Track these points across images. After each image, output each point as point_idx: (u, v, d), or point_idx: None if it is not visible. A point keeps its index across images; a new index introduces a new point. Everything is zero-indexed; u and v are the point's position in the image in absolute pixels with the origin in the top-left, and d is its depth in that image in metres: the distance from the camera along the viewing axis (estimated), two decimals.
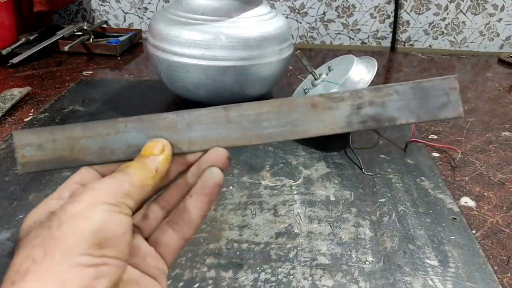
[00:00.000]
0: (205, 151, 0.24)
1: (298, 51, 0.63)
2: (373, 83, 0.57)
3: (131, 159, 0.23)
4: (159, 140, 0.23)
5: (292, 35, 1.09)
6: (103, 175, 0.24)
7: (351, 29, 1.09)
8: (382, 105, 0.25)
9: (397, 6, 1.05)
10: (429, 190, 0.51)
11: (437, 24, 1.07)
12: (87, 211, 0.19)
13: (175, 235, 0.24)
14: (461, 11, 1.05)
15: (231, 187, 0.50)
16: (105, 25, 1.10)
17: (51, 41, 0.93)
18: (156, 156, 0.23)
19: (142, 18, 1.13)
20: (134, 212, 0.24)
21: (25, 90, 0.73)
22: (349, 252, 0.41)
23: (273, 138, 0.25)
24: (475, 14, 1.05)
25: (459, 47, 1.09)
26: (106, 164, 0.24)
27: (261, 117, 0.25)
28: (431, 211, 0.47)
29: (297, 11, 1.09)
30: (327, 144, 0.60)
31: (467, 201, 0.50)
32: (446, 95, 0.24)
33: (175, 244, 0.24)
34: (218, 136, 0.25)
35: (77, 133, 0.24)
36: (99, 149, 0.24)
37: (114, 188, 0.20)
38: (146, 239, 0.24)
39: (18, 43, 0.92)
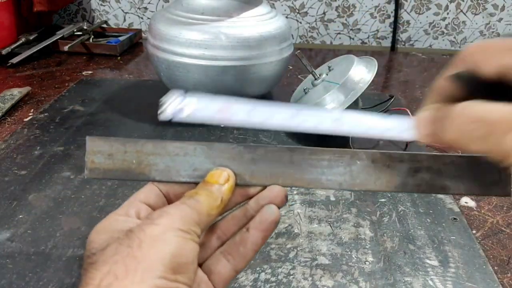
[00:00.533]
0: (264, 187, 0.25)
1: (298, 51, 0.62)
2: (373, 83, 0.57)
3: (194, 183, 0.24)
4: (225, 169, 0.24)
5: (292, 35, 1.09)
6: (165, 194, 0.25)
7: (351, 29, 1.09)
8: (438, 172, 0.25)
9: (397, 6, 1.04)
10: None
11: (438, 24, 1.07)
12: (165, 235, 0.20)
13: (228, 265, 0.24)
14: (461, 11, 1.05)
15: None
16: (105, 25, 1.10)
17: (51, 41, 0.93)
18: (221, 185, 0.23)
19: (142, 18, 1.13)
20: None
21: (25, 90, 0.73)
22: (349, 252, 0.41)
23: (330, 185, 0.26)
24: (476, 14, 1.05)
25: (460, 47, 1.09)
26: (169, 183, 0.25)
27: (322, 164, 0.26)
28: (431, 211, 0.47)
29: (297, 11, 1.09)
30: (328, 144, 0.60)
31: (467, 201, 0.50)
32: (498, 173, 0.25)
33: (227, 274, 0.24)
34: (279, 175, 0.25)
35: (147, 149, 0.25)
36: (165, 167, 0.25)
37: (187, 215, 0.21)
38: (200, 266, 0.25)
39: (18, 43, 0.92)
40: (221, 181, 0.23)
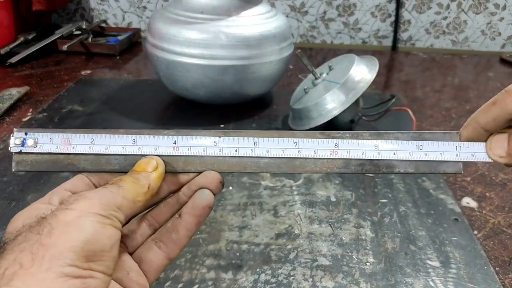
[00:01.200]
0: (199, 173, 0.25)
1: (299, 50, 0.62)
2: (374, 82, 0.57)
3: (125, 172, 0.23)
4: (153, 157, 0.24)
5: (293, 34, 1.08)
6: (96, 186, 0.24)
7: (352, 28, 1.09)
8: (380, 154, 0.25)
9: (398, 5, 1.04)
10: (431, 190, 0.50)
11: (439, 23, 1.07)
12: (79, 220, 0.19)
13: (160, 253, 0.24)
14: (463, 10, 1.05)
15: (230, 188, 0.50)
16: (104, 24, 1.10)
17: (49, 41, 0.93)
18: (149, 173, 0.23)
19: (141, 17, 1.12)
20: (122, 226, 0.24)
21: (24, 89, 0.73)
22: (350, 253, 0.40)
23: (269, 169, 0.25)
24: (477, 13, 1.05)
25: (461, 46, 1.08)
26: (100, 173, 0.24)
27: (258, 147, 0.25)
28: (432, 212, 0.47)
29: (297, 10, 1.08)
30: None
31: (468, 202, 0.49)
32: (447, 148, 0.25)
33: (159, 262, 0.24)
34: (214, 160, 0.25)
35: (76, 139, 0.25)
36: (95, 157, 0.24)
37: (107, 199, 0.20)
38: (131, 254, 0.24)
39: (16, 43, 0.92)
40: (149, 169, 0.23)
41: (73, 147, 0.24)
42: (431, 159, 0.25)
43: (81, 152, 0.24)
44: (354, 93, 0.56)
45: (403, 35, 1.08)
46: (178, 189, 0.25)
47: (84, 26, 1.00)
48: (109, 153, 0.24)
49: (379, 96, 0.75)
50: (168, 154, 0.24)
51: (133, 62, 0.93)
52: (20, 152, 0.25)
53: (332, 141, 0.25)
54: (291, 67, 0.88)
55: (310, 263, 0.39)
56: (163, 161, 0.24)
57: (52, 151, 0.24)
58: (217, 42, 0.61)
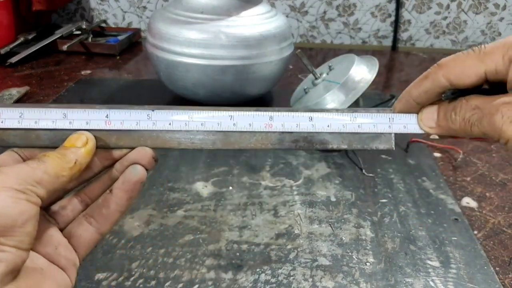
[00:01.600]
0: (131, 149, 0.24)
1: (299, 50, 0.62)
2: (374, 82, 0.57)
3: (56, 147, 0.23)
4: (84, 132, 0.24)
5: (293, 34, 1.08)
6: (25, 160, 0.24)
7: (352, 28, 1.09)
8: (315, 126, 0.25)
9: (398, 5, 1.04)
10: (431, 190, 0.50)
11: (439, 23, 1.07)
12: None
13: (90, 228, 0.24)
14: (463, 10, 1.05)
15: (230, 188, 0.50)
16: (104, 24, 1.10)
17: (49, 41, 0.93)
18: (78, 148, 0.23)
19: (141, 17, 1.12)
20: (53, 202, 0.24)
21: (24, 89, 0.73)
22: (350, 253, 0.40)
23: (203, 145, 0.25)
24: (477, 13, 1.05)
25: (461, 46, 1.08)
26: (30, 149, 0.24)
27: (193, 120, 0.25)
28: (432, 212, 0.47)
29: (297, 10, 1.08)
30: None
31: (468, 202, 0.49)
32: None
33: (89, 237, 0.24)
34: (147, 135, 0.24)
35: (5, 114, 0.24)
36: (24, 132, 0.24)
37: (24, 174, 0.20)
38: (61, 229, 0.24)
39: (16, 43, 0.91)
40: (79, 144, 0.23)
41: (1, 121, 0.24)
42: (365, 131, 0.25)
43: (10, 127, 0.24)
44: (354, 93, 0.56)
45: (403, 35, 1.08)
46: (112, 165, 0.25)
47: (84, 26, 1.00)
48: (38, 127, 0.24)
49: (379, 96, 0.75)
50: (100, 128, 0.24)
51: (133, 62, 0.93)
52: None
53: (267, 114, 0.25)
54: (291, 67, 0.88)
55: (310, 263, 0.39)
56: (95, 136, 0.24)
57: None
58: (217, 42, 0.61)
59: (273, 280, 0.37)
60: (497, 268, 0.40)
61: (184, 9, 0.64)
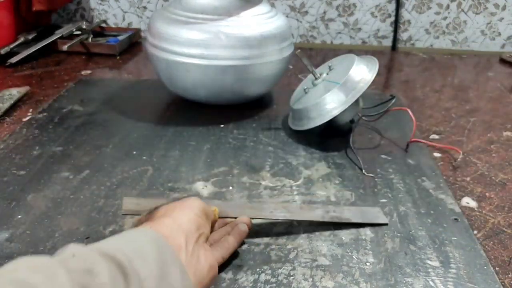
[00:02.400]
0: (235, 218, 0.42)
1: (299, 50, 0.62)
2: (374, 82, 0.57)
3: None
4: (214, 207, 0.41)
5: (292, 34, 1.08)
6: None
7: (352, 28, 1.09)
8: (341, 213, 0.45)
9: (398, 5, 1.04)
10: (431, 190, 0.50)
11: (438, 23, 1.07)
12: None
13: (217, 253, 0.37)
14: (462, 10, 1.05)
15: (231, 188, 0.50)
16: (104, 24, 1.10)
17: (49, 41, 0.93)
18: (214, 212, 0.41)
19: (141, 17, 1.12)
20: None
21: (24, 89, 0.73)
22: (349, 253, 0.40)
23: (279, 217, 0.43)
24: (477, 13, 1.05)
25: (461, 46, 1.08)
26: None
27: (271, 206, 0.45)
28: (432, 212, 0.47)
29: (297, 10, 1.08)
30: (328, 144, 0.60)
31: (468, 202, 0.49)
32: (376, 213, 0.46)
33: (217, 257, 0.38)
34: (242, 212, 0.43)
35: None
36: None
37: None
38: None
39: (16, 43, 0.92)
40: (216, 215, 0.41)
41: None
42: (369, 217, 0.46)
43: None
44: (354, 93, 0.56)
45: (403, 35, 1.08)
46: (223, 225, 0.42)
47: (84, 26, 1.00)
48: None
49: (379, 96, 0.75)
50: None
51: (133, 62, 0.94)
52: None
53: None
54: (291, 67, 0.88)
55: (310, 263, 0.39)
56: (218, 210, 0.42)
57: None
58: (217, 42, 0.61)
59: (273, 280, 0.37)
60: (496, 268, 0.40)
61: (184, 9, 0.64)
